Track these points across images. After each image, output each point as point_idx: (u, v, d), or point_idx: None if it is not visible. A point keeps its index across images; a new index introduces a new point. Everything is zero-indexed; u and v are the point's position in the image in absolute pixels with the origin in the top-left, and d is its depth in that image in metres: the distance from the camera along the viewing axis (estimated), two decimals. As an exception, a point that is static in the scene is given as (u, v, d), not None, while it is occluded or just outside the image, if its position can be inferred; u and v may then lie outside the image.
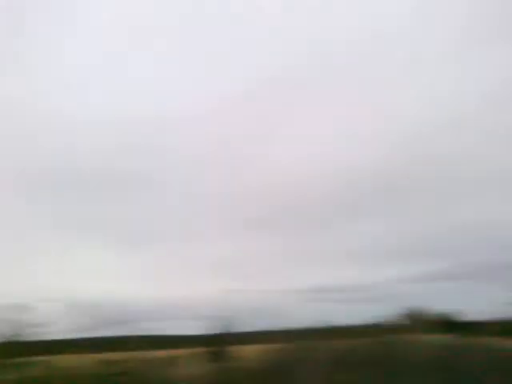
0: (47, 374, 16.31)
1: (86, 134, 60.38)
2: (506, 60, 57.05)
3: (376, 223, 55.41)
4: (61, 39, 64.65)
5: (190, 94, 66.08)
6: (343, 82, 64.79)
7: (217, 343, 19.37)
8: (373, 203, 58.99)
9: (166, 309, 37.12)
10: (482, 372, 13.89)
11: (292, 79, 64.63)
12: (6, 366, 15.89)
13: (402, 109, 60.84)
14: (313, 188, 58.82)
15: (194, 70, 67.78)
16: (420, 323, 25.29)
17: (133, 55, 69.16)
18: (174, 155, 63.32)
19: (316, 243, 53.38)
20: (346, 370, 14.87)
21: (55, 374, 16.24)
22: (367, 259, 49.70)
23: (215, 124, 65.02)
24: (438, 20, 59.87)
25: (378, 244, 50.81)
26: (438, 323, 27.27)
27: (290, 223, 59.87)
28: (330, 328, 19.80)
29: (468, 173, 55.69)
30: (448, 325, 27.92)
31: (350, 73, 63.97)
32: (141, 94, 67.68)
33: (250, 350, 19.07)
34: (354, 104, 62.45)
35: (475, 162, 56.01)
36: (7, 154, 57.83)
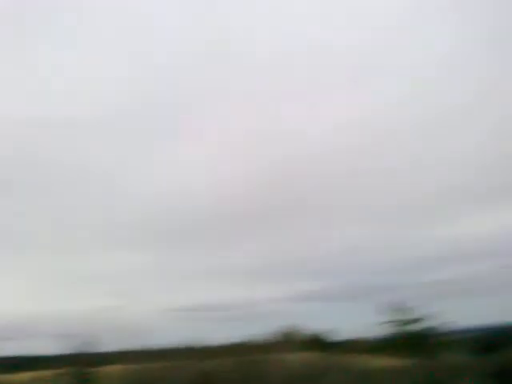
0: None
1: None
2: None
3: (253, 244, 57.01)
4: None
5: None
6: (213, 109, 65.85)
7: (81, 363, 18.23)
8: (251, 224, 60.86)
9: (28, 327, 33.82)
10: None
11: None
12: None
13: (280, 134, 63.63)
14: (192, 209, 58.84)
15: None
16: (293, 342, 26.53)
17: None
18: (52, 163, 58.42)
19: (193, 262, 53.04)
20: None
21: None
22: (244, 279, 50.83)
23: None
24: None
25: (255, 264, 52.13)
26: (310, 342, 28.91)
27: (166, 242, 58.95)
28: (201, 347, 19.89)
29: (343, 200, 60.66)
30: (320, 343, 29.75)
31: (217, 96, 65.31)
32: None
33: (115, 370, 18.30)
34: (227, 127, 63.81)
35: (352, 189, 61.17)
36: None
